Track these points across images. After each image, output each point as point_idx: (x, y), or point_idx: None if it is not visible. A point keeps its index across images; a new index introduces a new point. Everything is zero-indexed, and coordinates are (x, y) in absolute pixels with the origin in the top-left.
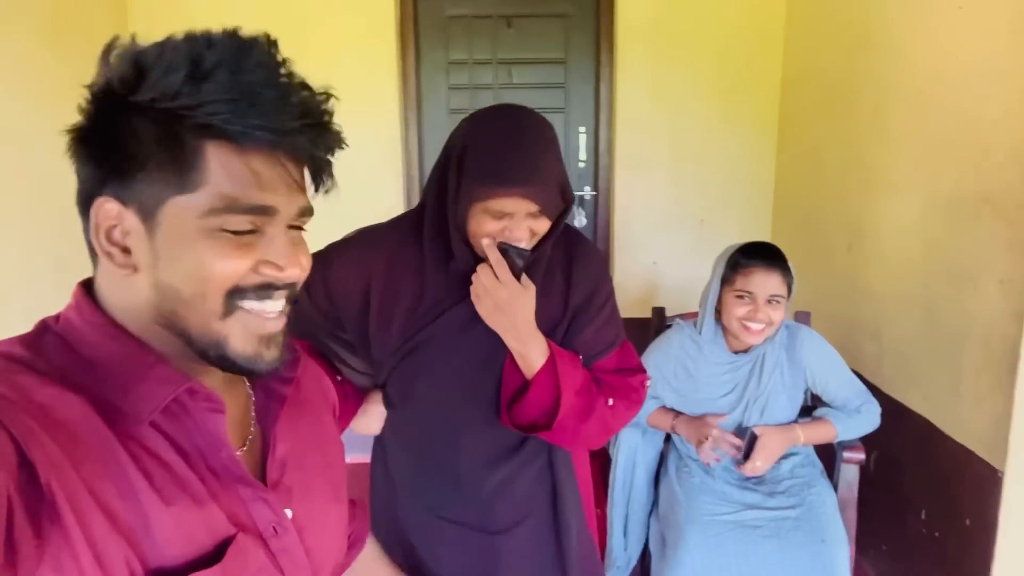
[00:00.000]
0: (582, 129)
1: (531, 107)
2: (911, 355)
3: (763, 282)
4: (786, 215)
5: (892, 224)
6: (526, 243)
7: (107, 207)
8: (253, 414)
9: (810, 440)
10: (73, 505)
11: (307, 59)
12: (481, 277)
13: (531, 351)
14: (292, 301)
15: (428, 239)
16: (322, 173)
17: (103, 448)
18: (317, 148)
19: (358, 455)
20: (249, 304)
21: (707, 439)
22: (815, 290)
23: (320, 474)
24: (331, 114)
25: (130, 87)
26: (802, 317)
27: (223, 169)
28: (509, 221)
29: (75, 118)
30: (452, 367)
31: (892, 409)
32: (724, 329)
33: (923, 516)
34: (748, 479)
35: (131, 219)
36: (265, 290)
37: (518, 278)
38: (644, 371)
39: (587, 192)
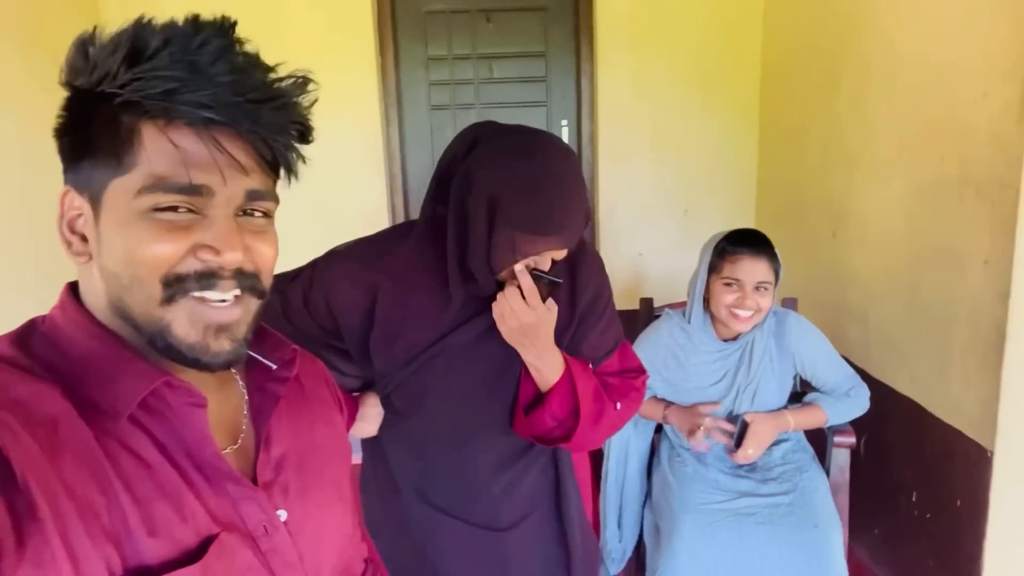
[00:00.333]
0: (564, 122)
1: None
2: (898, 338)
3: (750, 269)
4: (770, 202)
5: (876, 208)
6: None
7: (70, 197)
8: (247, 413)
9: (800, 425)
10: (50, 501)
11: (284, 57)
12: (510, 300)
13: (549, 367)
14: (258, 294)
15: (450, 264)
16: (283, 156)
17: (82, 445)
18: (263, 127)
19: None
20: (193, 292)
21: (699, 428)
22: (801, 276)
23: (321, 475)
24: (292, 95)
25: (79, 73)
26: (789, 303)
27: (154, 148)
28: (538, 257)
29: (46, 121)
30: (465, 380)
31: (880, 392)
32: (713, 317)
33: (914, 498)
34: (740, 467)
35: (86, 207)
36: (207, 278)
37: (543, 301)
38: (644, 372)
39: None
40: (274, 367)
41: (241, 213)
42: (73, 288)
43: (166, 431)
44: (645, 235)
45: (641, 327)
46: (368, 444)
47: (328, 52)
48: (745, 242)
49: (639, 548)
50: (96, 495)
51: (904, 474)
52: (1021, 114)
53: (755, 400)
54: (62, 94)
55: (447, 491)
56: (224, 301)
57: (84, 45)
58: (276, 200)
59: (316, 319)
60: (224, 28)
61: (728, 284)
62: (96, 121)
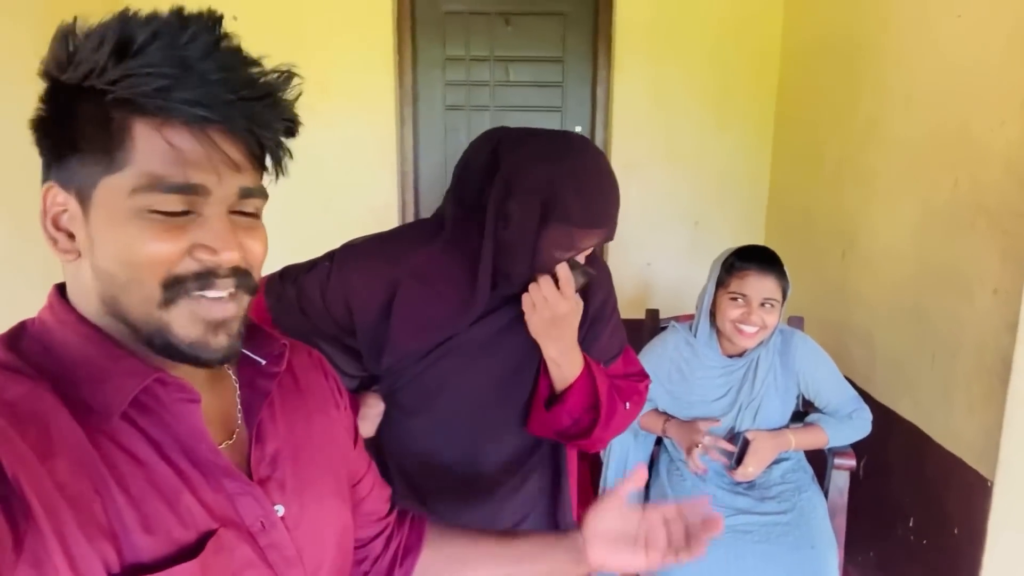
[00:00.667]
0: (578, 128)
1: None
2: (903, 362)
3: (757, 285)
4: (780, 219)
5: (887, 231)
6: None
7: (53, 193)
8: (240, 409)
9: (801, 445)
10: (43, 502)
11: (303, 54)
12: (543, 289)
13: (570, 362)
14: (250, 290)
15: (483, 264)
16: (274, 152)
17: (75, 445)
18: (256, 125)
19: None
20: (193, 292)
21: (697, 446)
22: (808, 295)
23: (319, 470)
24: (280, 91)
25: (61, 67)
26: (795, 322)
27: (148, 146)
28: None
29: None
30: (480, 377)
31: (883, 416)
32: (719, 333)
33: (911, 524)
34: (739, 484)
35: (72, 204)
36: (205, 278)
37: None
38: (647, 376)
39: None
40: (263, 362)
41: (233, 211)
42: (60, 289)
43: (159, 428)
44: (654, 245)
45: (646, 338)
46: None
47: (346, 49)
48: (754, 258)
49: None
50: (91, 494)
51: (903, 499)
52: None
53: (757, 418)
54: None
55: (447, 493)
56: (221, 298)
57: (66, 37)
58: (265, 196)
59: (332, 312)
60: (211, 21)
61: (734, 299)
62: (82, 117)
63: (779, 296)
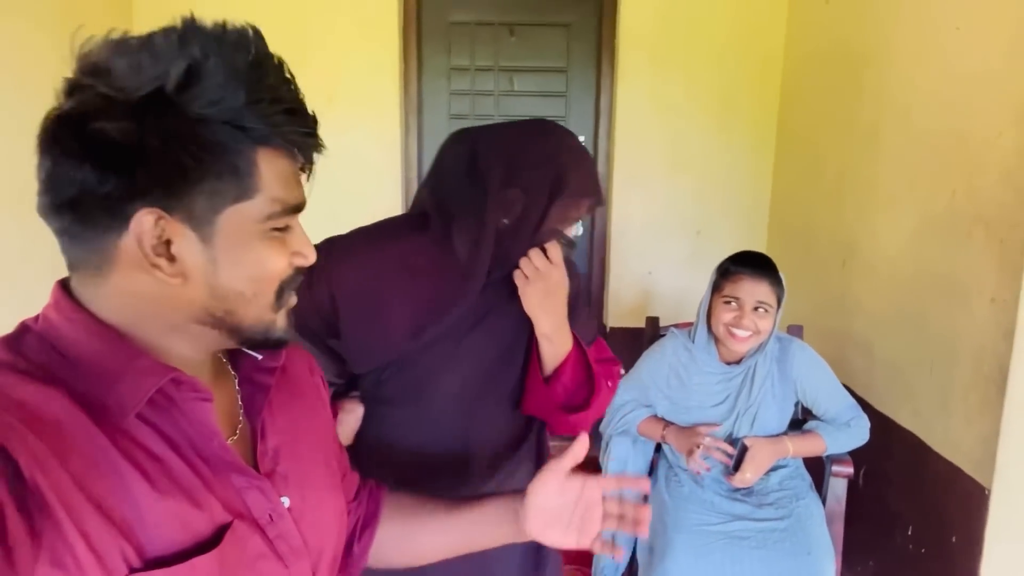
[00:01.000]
0: (582, 138)
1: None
2: (902, 371)
3: (750, 289)
4: (782, 229)
5: (886, 240)
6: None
7: (147, 219)
8: (240, 405)
9: (799, 452)
10: (62, 499)
11: (310, 63)
12: (535, 261)
13: (562, 336)
14: None
15: (482, 250)
16: (311, 167)
17: (89, 443)
18: (321, 145)
19: None
20: (291, 292)
21: (698, 447)
22: (808, 304)
23: (314, 462)
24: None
25: (185, 95)
26: (795, 331)
27: (272, 174)
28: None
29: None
30: (471, 361)
31: (882, 424)
32: (717, 340)
33: (910, 532)
34: (737, 490)
35: (177, 227)
36: (297, 279)
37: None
38: (619, 361)
39: None
40: (259, 357)
41: None
42: (64, 286)
43: (171, 425)
44: (656, 254)
45: (646, 346)
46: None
47: (352, 58)
48: (748, 263)
49: (631, 566)
50: (108, 490)
51: (902, 508)
52: None
53: (755, 424)
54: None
55: (439, 488)
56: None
57: (191, 65)
58: None
59: (318, 308)
60: (269, 51)
61: (728, 302)
62: (204, 145)
63: (773, 301)
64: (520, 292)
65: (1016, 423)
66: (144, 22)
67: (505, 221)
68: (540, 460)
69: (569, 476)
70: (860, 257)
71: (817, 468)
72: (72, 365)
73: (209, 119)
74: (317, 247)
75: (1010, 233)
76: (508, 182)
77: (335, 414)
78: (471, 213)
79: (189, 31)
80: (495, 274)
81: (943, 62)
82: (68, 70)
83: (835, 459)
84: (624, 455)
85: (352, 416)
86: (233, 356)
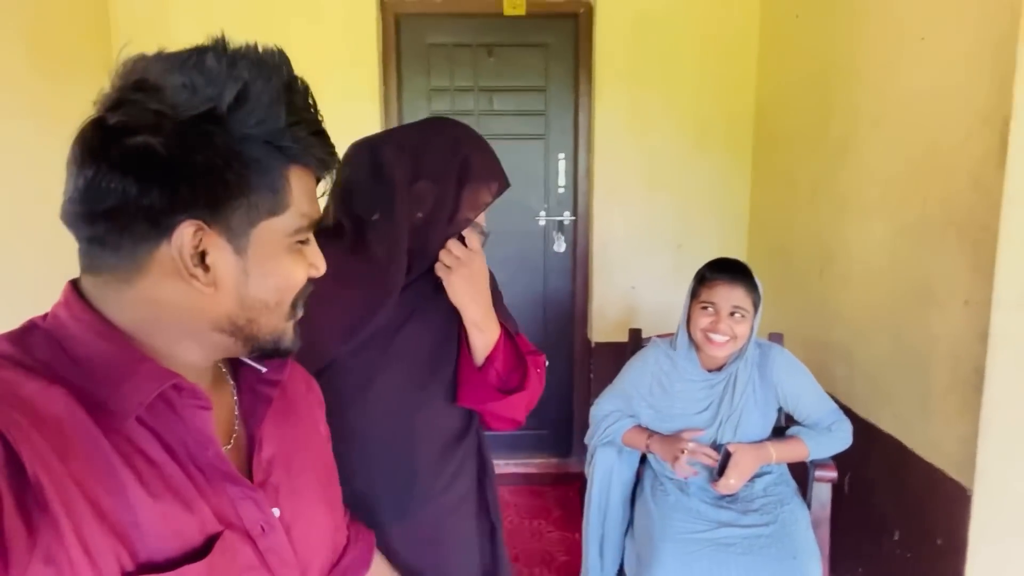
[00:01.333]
0: (561, 155)
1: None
2: (882, 376)
3: (726, 294)
4: (761, 240)
5: (862, 248)
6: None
7: (188, 230)
8: (237, 414)
9: (782, 458)
10: (61, 498)
11: None
12: (454, 250)
13: (492, 325)
14: None
15: (398, 248)
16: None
17: (90, 443)
18: (333, 168)
19: None
20: (302, 302)
21: (682, 453)
22: (789, 313)
23: (307, 475)
24: None
25: (236, 116)
26: (775, 339)
27: (300, 190)
28: None
29: (59, 131)
30: (405, 361)
31: (864, 429)
32: (697, 347)
33: (897, 537)
34: (722, 497)
35: (214, 239)
36: (308, 289)
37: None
38: (543, 353)
39: (566, 217)
40: (263, 370)
41: None
42: (75, 286)
43: (169, 431)
44: (638, 268)
45: (628, 357)
46: None
47: (333, 80)
48: (723, 269)
49: (619, 575)
50: (106, 492)
51: (887, 512)
52: (1000, 159)
53: (738, 431)
54: (71, 89)
55: (390, 492)
56: None
57: (244, 86)
58: None
59: None
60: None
61: (705, 307)
62: (247, 162)
63: (749, 306)
64: (445, 283)
65: (994, 424)
66: (122, 37)
67: (419, 215)
68: (481, 458)
69: None
70: (837, 266)
71: (802, 474)
72: (77, 365)
73: (252, 138)
74: None
75: (981, 235)
76: (416, 175)
77: None
78: (383, 213)
79: (236, 53)
80: (417, 270)
81: (909, 73)
82: (42, 71)
83: (818, 464)
84: (609, 466)
85: None
86: (232, 365)
